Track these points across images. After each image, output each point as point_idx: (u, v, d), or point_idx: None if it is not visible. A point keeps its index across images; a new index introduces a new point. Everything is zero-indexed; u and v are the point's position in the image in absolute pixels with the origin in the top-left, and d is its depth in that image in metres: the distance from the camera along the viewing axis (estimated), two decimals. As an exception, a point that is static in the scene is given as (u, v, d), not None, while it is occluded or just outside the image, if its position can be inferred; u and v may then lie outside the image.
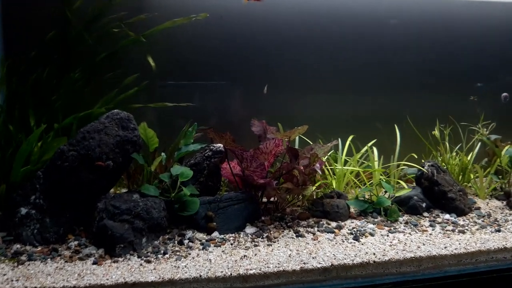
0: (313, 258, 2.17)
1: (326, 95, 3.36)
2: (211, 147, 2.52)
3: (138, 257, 2.12)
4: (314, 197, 2.72)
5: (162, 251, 2.19)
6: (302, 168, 2.37)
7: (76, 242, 2.21)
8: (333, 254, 2.22)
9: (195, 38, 3.08)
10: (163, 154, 2.77)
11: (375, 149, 2.89)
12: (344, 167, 2.73)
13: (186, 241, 2.30)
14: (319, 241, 2.36)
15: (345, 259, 2.18)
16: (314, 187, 2.63)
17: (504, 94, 3.05)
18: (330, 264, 2.14)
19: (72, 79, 2.59)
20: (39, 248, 2.15)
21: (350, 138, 2.89)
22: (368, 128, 3.30)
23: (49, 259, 2.06)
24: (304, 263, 2.11)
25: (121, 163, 2.33)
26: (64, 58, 2.54)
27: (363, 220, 2.62)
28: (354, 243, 2.36)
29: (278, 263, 2.10)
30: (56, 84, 2.56)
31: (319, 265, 2.12)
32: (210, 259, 2.13)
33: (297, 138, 3.10)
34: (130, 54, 2.91)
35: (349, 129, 3.15)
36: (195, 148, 2.60)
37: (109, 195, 2.32)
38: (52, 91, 2.57)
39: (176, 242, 2.29)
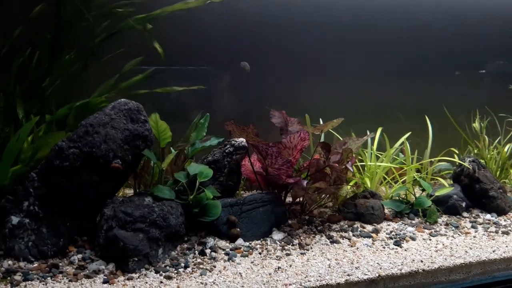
0: (356, 268, 1.94)
1: (345, 83, 3.11)
2: (233, 142, 2.24)
3: (156, 272, 1.84)
4: (344, 197, 2.48)
5: (182, 264, 1.91)
6: (337, 165, 2.12)
7: (79, 256, 1.90)
8: (377, 263, 1.99)
9: (202, 22, 2.75)
10: (172, 149, 2.47)
11: (406, 143, 2.67)
12: (377, 164, 2.49)
13: (208, 251, 2.02)
14: (357, 248, 2.13)
15: (391, 268, 1.96)
16: (349, 186, 2.39)
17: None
18: (376, 275, 1.91)
19: (67, 62, 2.24)
20: (36, 264, 1.83)
21: (379, 130, 2.65)
22: (389, 119, 3.08)
23: (49, 278, 1.75)
24: (348, 275, 1.88)
25: (131, 161, 2.01)
26: (56, 37, 2.18)
27: (400, 222, 2.40)
28: (397, 249, 2.14)
29: (319, 276, 1.86)
30: (47, 68, 2.20)
31: (365, 277, 1.89)
32: (240, 273, 1.86)
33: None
34: (130, 36, 2.55)
35: (371, 121, 2.92)
36: (212, 143, 2.31)
37: (117, 199, 2.01)
38: (43, 77, 2.21)
39: (196, 252, 2.01)
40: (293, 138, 2.43)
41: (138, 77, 2.45)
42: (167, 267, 1.88)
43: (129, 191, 2.53)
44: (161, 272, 1.83)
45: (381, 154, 2.62)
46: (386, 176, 2.60)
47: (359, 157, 2.64)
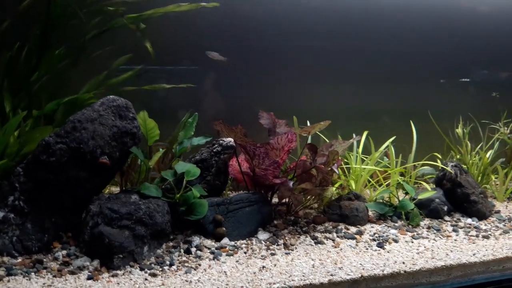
0: (339, 268, 1.97)
1: (332, 87, 3.16)
2: (221, 141, 2.26)
3: (141, 269, 1.84)
4: (329, 199, 2.52)
5: (167, 262, 1.92)
6: (323, 167, 2.16)
7: (64, 252, 1.90)
8: (360, 264, 2.03)
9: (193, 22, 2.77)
10: (160, 148, 2.48)
11: (391, 147, 2.72)
12: (362, 166, 2.54)
13: (193, 250, 2.04)
14: (341, 249, 2.16)
15: (374, 269, 2.00)
16: (334, 188, 2.43)
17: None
18: (359, 275, 1.95)
19: (56, 58, 2.24)
20: (20, 260, 1.82)
21: (365, 134, 2.70)
22: (375, 123, 3.14)
23: (33, 273, 1.74)
24: (332, 275, 1.91)
25: (118, 158, 2.02)
26: (46, 33, 2.17)
27: (384, 225, 2.45)
28: (379, 250, 2.18)
29: (303, 275, 1.89)
30: (36, 63, 2.19)
31: (348, 277, 1.92)
32: (225, 271, 1.88)
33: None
34: (119, 35, 2.56)
35: (357, 124, 2.98)
36: (199, 142, 2.33)
37: (103, 196, 2.01)
38: (31, 72, 2.20)
39: (182, 250, 2.03)
40: (281, 140, 2.46)
41: (127, 75, 2.46)
42: (152, 265, 1.89)
43: (115, 189, 2.53)
44: (146, 270, 1.84)
45: (366, 157, 2.66)
46: (370, 179, 2.65)
47: (345, 160, 2.68)
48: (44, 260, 1.84)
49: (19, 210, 1.87)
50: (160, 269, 1.87)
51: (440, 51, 3.41)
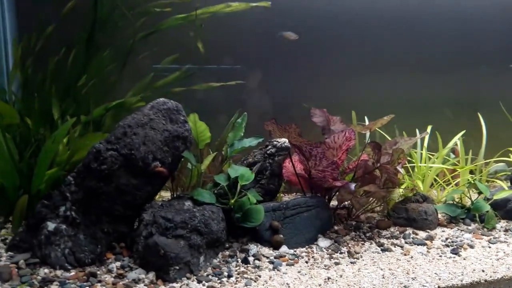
0: (413, 279, 1.79)
1: (387, 78, 2.95)
2: (274, 142, 2.12)
3: (198, 281, 1.74)
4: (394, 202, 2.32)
5: (225, 273, 1.80)
6: (390, 167, 1.98)
7: (118, 264, 1.82)
8: (435, 273, 1.84)
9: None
10: (209, 150, 2.37)
11: (459, 142, 2.49)
12: (429, 165, 2.33)
13: (251, 259, 1.91)
14: (411, 257, 1.98)
15: (451, 279, 1.81)
16: (400, 190, 2.24)
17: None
18: (436, 286, 1.76)
19: (104, 60, 2.17)
20: (73, 273, 1.75)
21: (429, 128, 2.48)
22: (435, 116, 2.89)
23: (87, 287, 1.67)
24: (405, 286, 1.74)
25: (170, 163, 1.92)
26: (92, 35, 2.11)
27: (456, 229, 2.24)
28: (455, 257, 1.98)
29: (373, 287, 1.72)
30: (83, 67, 2.13)
31: (423, 289, 1.74)
32: (287, 284, 1.74)
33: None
34: (161, 36, 2.46)
35: (417, 118, 2.76)
36: (251, 143, 2.20)
37: (156, 204, 1.92)
38: (79, 76, 2.14)
39: (239, 260, 1.91)
40: (338, 138, 2.30)
41: (174, 75, 2.36)
42: (210, 276, 1.78)
43: (165, 194, 2.45)
44: (203, 282, 1.73)
45: (432, 155, 2.44)
46: (437, 178, 2.43)
47: (408, 158, 2.48)
48: (98, 272, 1.77)
49: (71, 220, 1.81)
50: (218, 281, 1.75)
51: (509, 33, 3.10)
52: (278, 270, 1.86)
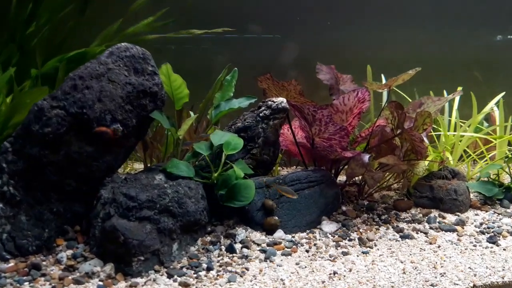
0: (441, 275, 1.41)
1: (403, 31, 2.49)
2: (269, 102, 1.71)
3: (169, 276, 1.37)
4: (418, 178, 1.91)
5: (204, 265, 1.43)
6: (417, 133, 1.57)
7: (69, 252, 1.44)
8: (469, 268, 1.46)
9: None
10: (191, 113, 1.97)
11: (496, 108, 2.06)
12: (461, 133, 1.91)
13: (238, 246, 1.54)
14: (438, 246, 1.59)
15: (490, 275, 1.43)
16: (427, 163, 1.84)
17: None
18: (470, 284, 1.38)
19: (58, 3, 1.74)
20: (12, 264, 1.39)
21: (459, 89, 2.04)
22: (464, 77, 2.46)
23: (26, 283, 1.30)
24: (432, 285, 1.36)
25: (135, 126, 1.52)
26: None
27: (492, 211, 1.84)
28: (492, 248, 1.59)
29: (392, 286, 1.35)
30: (32, 10, 1.70)
31: (455, 287, 1.37)
32: (282, 280, 1.37)
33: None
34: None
35: (441, 79, 2.33)
36: (241, 104, 1.79)
37: (118, 177, 1.53)
38: (27, 21, 1.72)
39: (223, 248, 1.53)
40: (348, 99, 1.88)
41: (147, 21, 1.93)
42: (184, 269, 1.41)
43: (140, 167, 2.07)
44: (175, 277, 1.36)
45: (462, 123, 2.01)
46: (468, 150, 2.01)
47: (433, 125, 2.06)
48: (43, 263, 1.40)
49: (9, 198, 1.42)
50: (195, 275, 1.38)
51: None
52: (271, 261, 1.48)
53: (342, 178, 1.97)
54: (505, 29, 2.65)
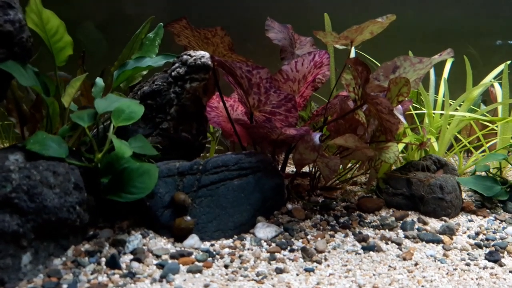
0: (417, 310, 0.93)
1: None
2: (185, 57, 1.22)
3: (2, 304, 0.89)
4: (389, 167, 1.43)
5: (64, 286, 0.94)
6: (382, 99, 1.09)
7: None
8: (459, 299, 0.98)
9: None
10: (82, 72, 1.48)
11: (496, 85, 1.59)
12: (450, 113, 1.42)
13: (127, 259, 1.06)
14: (416, 264, 1.11)
15: (489, 312, 0.95)
16: (400, 146, 1.36)
17: None
18: (461, 327, 0.91)
19: None
20: None
21: (449, 62, 1.56)
22: (450, 44, 1.99)
23: None
24: (402, 327, 0.88)
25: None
26: None
27: (492, 217, 1.36)
28: (493, 269, 1.11)
29: (340, 328, 0.87)
30: None
31: (438, 333, 0.89)
32: (171, 313, 0.89)
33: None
34: None
35: (422, 48, 1.85)
36: (156, 63, 1.31)
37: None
38: None
39: (103, 261, 1.05)
40: (302, 64, 1.40)
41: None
42: (33, 293, 0.93)
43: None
44: (11, 306, 0.88)
45: (452, 102, 1.52)
46: (460, 137, 1.53)
47: (413, 103, 1.58)
48: None
49: None
50: (45, 303, 0.90)
51: None
52: (168, 281, 1.00)
53: (291, 168, 1.49)
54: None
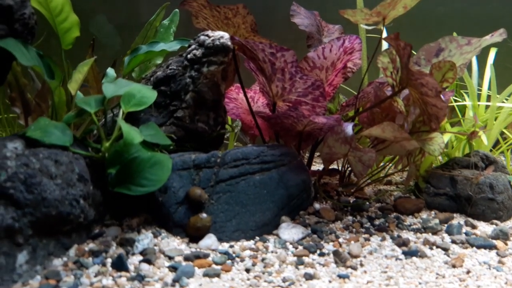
0: (474, 325, 0.78)
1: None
2: (202, 37, 1.11)
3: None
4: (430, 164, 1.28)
5: (62, 290, 0.83)
6: (429, 78, 0.95)
7: None
8: (523, 313, 0.83)
9: None
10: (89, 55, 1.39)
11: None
12: (498, 104, 1.27)
13: (135, 260, 0.94)
14: (468, 271, 0.96)
15: (562, 328, 0.80)
16: (446, 137, 1.21)
17: None
18: None
19: None
20: None
21: (493, 51, 1.42)
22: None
23: None
24: None
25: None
26: None
27: (548, 219, 1.21)
28: (558, 277, 0.96)
29: None
30: None
31: None
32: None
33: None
34: None
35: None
36: (171, 48, 1.20)
37: None
38: None
39: (109, 262, 0.93)
40: (330, 50, 1.28)
41: None
42: (27, 297, 0.81)
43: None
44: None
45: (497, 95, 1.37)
46: (506, 132, 1.37)
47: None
48: None
49: None
50: (39, 309, 0.78)
51: None
52: (181, 286, 0.87)
53: (317, 166, 1.36)
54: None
